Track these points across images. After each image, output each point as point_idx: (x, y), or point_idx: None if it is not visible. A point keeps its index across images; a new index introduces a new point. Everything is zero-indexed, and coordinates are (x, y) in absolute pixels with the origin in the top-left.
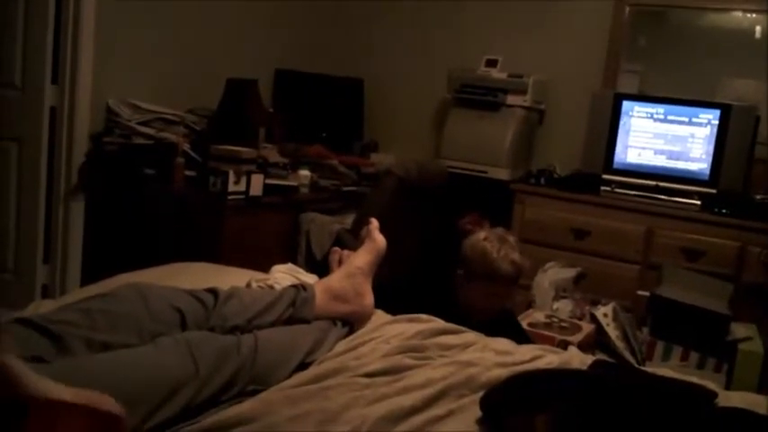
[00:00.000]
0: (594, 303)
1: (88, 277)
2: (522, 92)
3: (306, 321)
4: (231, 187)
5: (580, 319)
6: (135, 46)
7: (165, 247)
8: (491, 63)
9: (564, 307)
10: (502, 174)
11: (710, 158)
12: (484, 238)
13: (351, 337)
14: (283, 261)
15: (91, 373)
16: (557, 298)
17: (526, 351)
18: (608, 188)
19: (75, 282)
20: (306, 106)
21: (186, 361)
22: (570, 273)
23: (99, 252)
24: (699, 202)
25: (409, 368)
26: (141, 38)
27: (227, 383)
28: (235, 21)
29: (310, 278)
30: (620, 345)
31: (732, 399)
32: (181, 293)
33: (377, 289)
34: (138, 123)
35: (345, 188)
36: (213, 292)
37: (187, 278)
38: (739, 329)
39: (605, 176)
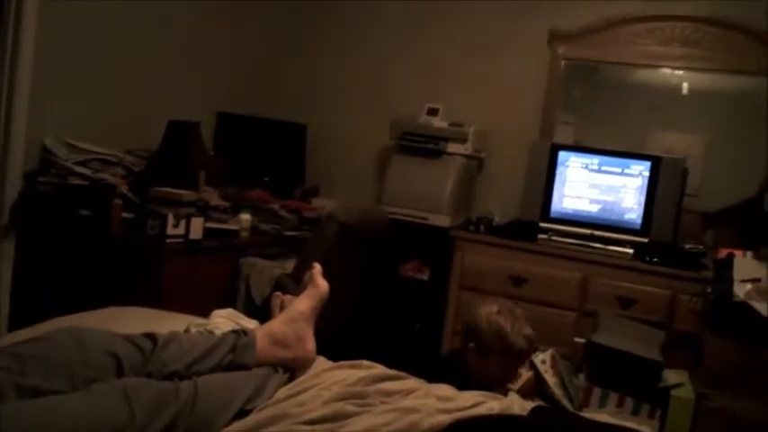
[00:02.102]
0: (533, 350)
1: (17, 322)
2: (463, 140)
3: (246, 367)
4: (170, 230)
5: None
6: (74, 85)
7: (101, 291)
8: (432, 112)
9: None
10: (442, 221)
11: (642, 208)
12: (497, 312)
13: (292, 384)
14: (223, 306)
15: (20, 422)
16: None
17: (468, 397)
18: (545, 236)
19: (3, 326)
20: (248, 150)
21: (121, 407)
22: None
23: (30, 295)
24: (631, 251)
25: (351, 415)
26: (80, 77)
27: (164, 430)
28: (177, 62)
29: (251, 323)
30: (557, 392)
31: None
32: (117, 338)
33: (319, 334)
34: (75, 163)
35: (286, 233)
36: (151, 337)
37: (124, 323)
38: (671, 376)
39: (542, 224)
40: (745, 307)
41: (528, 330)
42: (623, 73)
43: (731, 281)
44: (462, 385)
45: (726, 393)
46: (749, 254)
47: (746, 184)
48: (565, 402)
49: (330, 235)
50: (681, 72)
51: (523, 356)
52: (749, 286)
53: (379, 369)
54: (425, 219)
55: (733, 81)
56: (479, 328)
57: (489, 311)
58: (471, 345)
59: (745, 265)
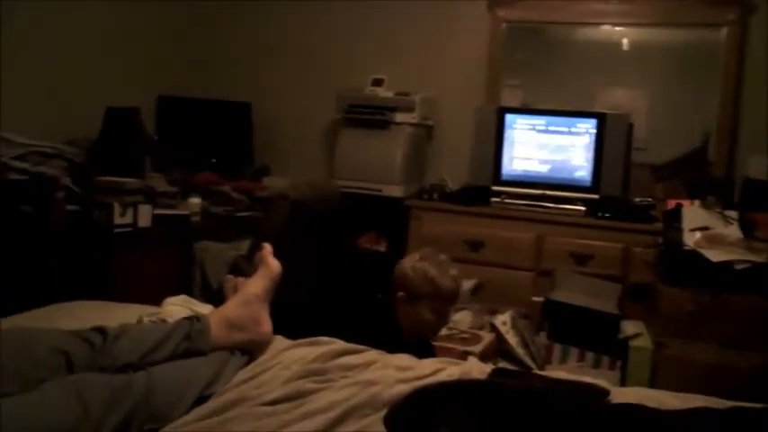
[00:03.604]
0: (493, 312)
1: None
2: (410, 109)
3: (202, 353)
4: (117, 220)
5: (480, 329)
6: (5, 77)
7: (50, 287)
8: (377, 82)
9: (463, 318)
10: (395, 191)
11: (591, 165)
12: (420, 259)
13: (250, 366)
14: (178, 293)
15: None
16: (456, 310)
17: (427, 365)
18: (498, 199)
19: None
20: (193, 133)
21: (73, 405)
22: (467, 284)
23: None
24: (583, 208)
25: (311, 392)
26: (12, 68)
27: (121, 424)
28: (113, 47)
29: (205, 309)
30: (520, 351)
31: (625, 394)
32: (65, 335)
33: (275, 314)
34: (12, 158)
35: (239, 214)
36: (101, 330)
37: (73, 319)
38: (629, 327)
39: (494, 188)
40: (695, 255)
41: (454, 271)
42: (565, 32)
43: (681, 230)
44: (392, 340)
45: (682, 340)
46: (696, 203)
47: (691, 135)
48: (527, 361)
49: (282, 213)
50: (621, 28)
51: (453, 298)
52: (698, 235)
53: (338, 344)
54: (379, 190)
55: (671, 34)
56: (406, 275)
57: (413, 259)
58: (401, 294)
59: (693, 214)
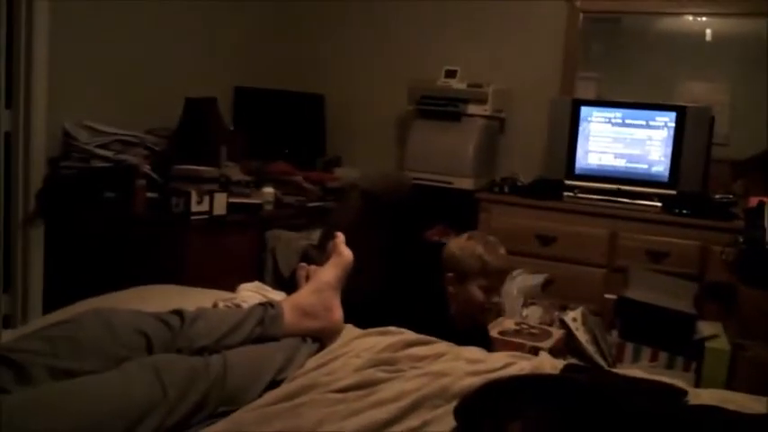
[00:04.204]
0: (563, 308)
1: (51, 305)
2: (483, 101)
3: (275, 339)
4: (194, 207)
5: (550, 324)
6: (90, 68)
7: (128, 270)
8: (450, 74)
9: (533, 313)
10: (466, 183)
11: (669, 160)
12: (468, 239)
13: (321, 353)
14: (250, 280)
15: (53, 404)
16: (525, 305)
17: (498, 358)
18: (571, 193)
19: (38, 310)
20: (267, 123)
21: (153, 385)
22: (538, 279)
23: (61, 279)
24: (660, 204)
25: (382, 381)
26: (96, 59)
27: (197, 406)
28: (191, 39)
29: (278, 295)
30: (590, 348)
31: (702, 396)
32: (145, 317)
33: (346, 303)
34: (96, 146)
35: (310, 204)
36: (179, 313)
37: (152, 301)
38: (705, 328)
39: (568, 182)
40: None
41: (502, 250)
42: (644, 23)
43: (763, 229)
44: (443, 330)
45: (762, 342)
46: None
47: None
48: (598, 359)
49: (353, 203)
50: (702, 19)
51: (502, 274)
52: None
53: (408, 335)
54: (450, 182)
55: (754, 25)
56: (455, 255)
57: (459, 240)
58: (449, 274)
59: None
